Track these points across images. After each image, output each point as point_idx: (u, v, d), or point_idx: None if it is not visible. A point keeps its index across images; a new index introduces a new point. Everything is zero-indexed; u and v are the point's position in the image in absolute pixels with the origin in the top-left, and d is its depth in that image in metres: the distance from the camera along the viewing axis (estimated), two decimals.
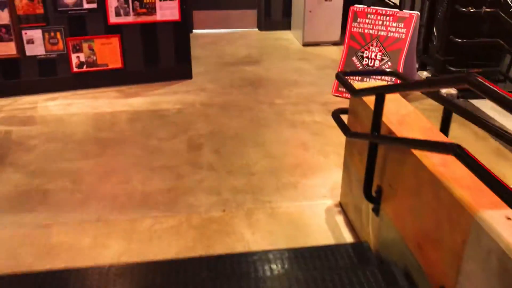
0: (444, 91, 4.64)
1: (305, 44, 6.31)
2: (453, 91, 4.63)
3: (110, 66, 4.87)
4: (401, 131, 2.18)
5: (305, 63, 5.74)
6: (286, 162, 3.55)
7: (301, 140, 3.88)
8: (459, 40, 4.46)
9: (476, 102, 4.57)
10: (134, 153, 3.66)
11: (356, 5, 4.64)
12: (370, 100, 2.51)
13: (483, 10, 4.33)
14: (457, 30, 4.50)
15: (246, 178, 3.33)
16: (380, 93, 2.19)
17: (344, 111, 2.91)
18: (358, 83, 2.78)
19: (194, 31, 6.96)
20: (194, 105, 4.55)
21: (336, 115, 2.83)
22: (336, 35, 6.31)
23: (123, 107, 4.48)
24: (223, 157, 3.60)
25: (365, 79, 4.46)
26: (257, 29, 7.10)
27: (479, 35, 4.53)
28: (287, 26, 6.98)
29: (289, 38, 6.75)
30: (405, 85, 2.14)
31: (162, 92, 4.86)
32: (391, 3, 4.82)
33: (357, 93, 2.48)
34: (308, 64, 5.72)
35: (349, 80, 2.65)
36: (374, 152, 2.30)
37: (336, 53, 6.12)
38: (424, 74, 5.01)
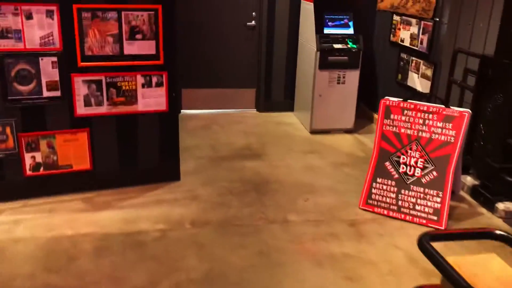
0: (501, 207, 3.66)
1: (313, 132, 5.37)
2: None
3: (75, 168, 3.80)
4: None
5: (317, 158, 4.75)
6: None
7: None
8: None
9: None
10: None
11: (388, 98, 3.73)
12: None
13: None
14: None
15: None
16: None
17: None
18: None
19: (182, 111, 5.99)
20: (183, 224, 3.46)
21: None
22: (349, 122, 5.40)
23: (88, 228, 3.36)
24: None
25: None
26: (255, 109, 6.17)
27: None
28: (289, 107, 6.07)
29: (293, 122, 5.81)
30: None
31: (141, 201, 3.77)
32: (434, 98, 3.94)
33: None
34: (321, 159, 4.74)
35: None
36: None
37: (351, 145, 5.17)
38: (468, 179, 4.05)
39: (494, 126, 3.75)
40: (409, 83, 4.95)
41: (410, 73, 4.93)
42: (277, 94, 6.08)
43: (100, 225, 3.40)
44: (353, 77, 5.20)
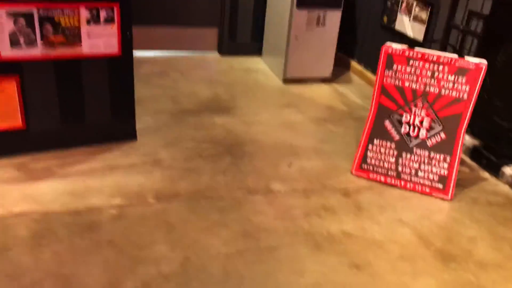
0: (509, 172, 3.26)
1: (287, 80, 4.74)
2: None
3: (3, 126, 2.99)
4: None
5: (295, 113, 4.16)
6: None
7: (338, 283, 2.29)
8: None
9: None
10: None
11: (390, 44, 3.13)
12: None
13: None
14: None
15: None
16: None
17: None
18: None
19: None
20: (145, 198, 2.80)
21: None
22: (327, 70, 4.80)
23: (23, 205, 2.63)
24: None
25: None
26: (217, 53, 5.41)
27: None
28: (256, 51, 5.37)
29: (263, 69, 5.13)
30: None
31: (89, 167, 3.05)
32: (429, 45, 3.38)
33: None
34: (299, 113, 4.14)
35: None
36: None
37: (330, 97, 4.59)
38: (467, 139, 3.62)
39: (505, 79, 3.28)
40: (398, 27, 4.37)
41: (399, 15, 4.34)
42: (243, 35, 5.33)
43: (38, 201, 2.68)
44: (334, 18, 4.54)
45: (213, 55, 5.40)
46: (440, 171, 3.05)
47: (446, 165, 3.04)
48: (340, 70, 5.17)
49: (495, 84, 3.35)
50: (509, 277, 2.43)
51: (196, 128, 3.70)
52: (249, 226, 2.63)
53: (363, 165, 3.21)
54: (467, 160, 3.56)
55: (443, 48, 3.78)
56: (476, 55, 3.53)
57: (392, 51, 3.11)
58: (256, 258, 2.40)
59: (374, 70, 4.80)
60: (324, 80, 4.86)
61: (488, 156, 3.40)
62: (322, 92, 4.65)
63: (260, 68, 5.13)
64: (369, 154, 3.20)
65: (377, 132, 3.18)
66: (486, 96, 3.45)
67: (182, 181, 3.00)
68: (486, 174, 3.39)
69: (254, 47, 5.35)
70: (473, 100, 2.96)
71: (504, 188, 3.24)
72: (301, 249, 2.49)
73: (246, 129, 3.76)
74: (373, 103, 3.19)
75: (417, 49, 3.06)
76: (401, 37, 4.32)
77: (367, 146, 3.20)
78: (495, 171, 3.33)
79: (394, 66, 3.10)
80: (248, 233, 2.58)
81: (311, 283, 2.27)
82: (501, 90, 3.32)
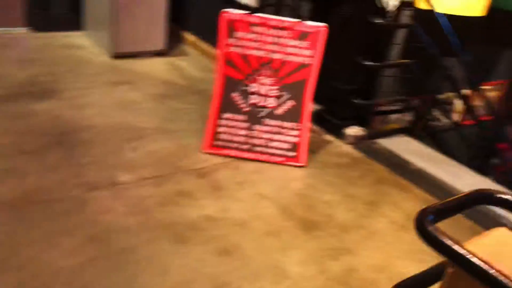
0: (351, 132, 3.40)
1: (117, 56, 4.25)
2: (360, 131, 3.43)
3: None
4: None
5: (131, 90, 3.73)
6: None
7: (209, 274, 2.07)
8: (371, 63, 3.24)
9: (386, 143, 3.48)
10: None
11: (228, 10, 2.93)
12: None
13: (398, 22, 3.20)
14: (365, 49, 3.28)
15: None
16: None
17: None
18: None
19: None
20: None
21: None
22: (160, 43, 4.43)
23: None
24: None
25: None
26: (27, 28, 4.60)
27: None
28: (75, 25, 4.71)
29: (85, 45, 4.51)
30: None
31: None
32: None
33: None
34: (136, 91, 3.74)
35: None
36: None
37: (167, 71, 4.25)
38: (311, 105, 3.67)
39: (339, 42, 3.35)
40: None
41: None
42: (57, 5, 4.61)
43: None
44: None
45: (21, 32, 4.57)
46: (291, 139, 3.01)
47: (296, 133, 3.01)
48: (175, 42, 4.84)
49: (331, 48, 3.41)
50: (368, 236, 2.49)
51: (11, 118, 3.06)
52: (96, 229, 2.23)
53: (214, 141, 3.00)
54: (312, 125, 3.61)
55: (278, 12, 3.73)
56: (310, 18, 3.55)
57: (232, 17, 2.91)
58: (110, 264, 2.04)
59: (209, 41, 4.60)
60: (158, 54, 4.49)
61: (330, 119, 3.49)
62: (157, 67, 4.29)
63: (83, 44, 4.51)
64: (220, 129, 3.00)
65: (226, 105, 2.99)
66: (324, 60, 3.50)
67: (1, 185, 2.42)
68: (330, 137, 3.47)
69: (73, 20, 4.68)
70: (316, 64, 2.95)
71: (348, 148, 3.36)
72: (162, 244, 2.20)
73: (77, 113, 3.24)
74: (219, 76, 2.97)
75: (257, 14, 2.91)
76: (234, 4, 4.17)
77: (217, 121, 3.00)
78: (338, 133, 3.43)
79: (236, 34, 2.92)
80: (96, 237, 2.18)
81: (179, 281, 2.00)
82: (337, 53, 3.39)
